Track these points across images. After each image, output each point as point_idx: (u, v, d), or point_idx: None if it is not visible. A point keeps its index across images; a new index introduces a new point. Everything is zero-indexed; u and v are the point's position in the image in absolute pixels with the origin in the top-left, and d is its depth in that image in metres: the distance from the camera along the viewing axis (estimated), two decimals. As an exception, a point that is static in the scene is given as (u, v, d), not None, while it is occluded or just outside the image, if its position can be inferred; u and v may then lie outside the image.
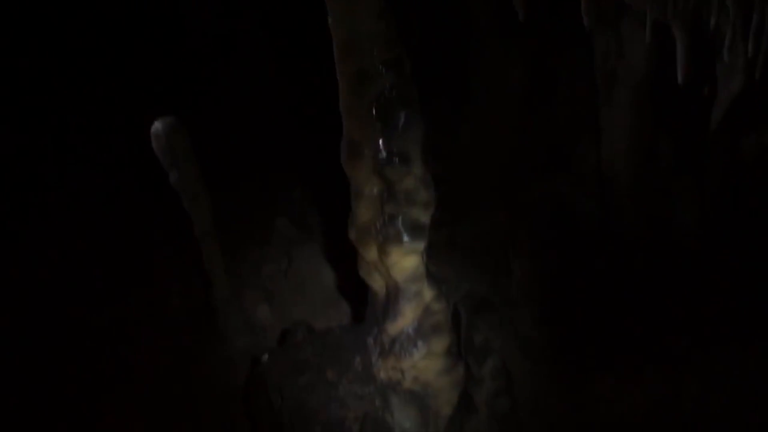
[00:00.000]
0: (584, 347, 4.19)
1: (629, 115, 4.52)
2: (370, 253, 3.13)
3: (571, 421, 3.85)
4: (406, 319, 3.18)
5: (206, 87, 6.59)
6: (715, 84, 3.83)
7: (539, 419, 3.90)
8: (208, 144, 4.47)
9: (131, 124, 4.64)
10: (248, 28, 6.71)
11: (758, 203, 4.19)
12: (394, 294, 3.18)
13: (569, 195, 5.18)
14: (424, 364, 3.29)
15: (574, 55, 4.77)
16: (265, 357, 3.62)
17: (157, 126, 3.74)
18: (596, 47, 4.37)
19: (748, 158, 4.27)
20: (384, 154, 2.84)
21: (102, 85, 6.34)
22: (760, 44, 3.08)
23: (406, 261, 3.04)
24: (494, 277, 4.84)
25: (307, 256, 5.16)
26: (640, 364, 4.04)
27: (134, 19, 6.50)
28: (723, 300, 4.13)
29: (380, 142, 2.85)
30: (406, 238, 2.96)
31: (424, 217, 3.00)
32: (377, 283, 3.26)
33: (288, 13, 6.28)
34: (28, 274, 4.90)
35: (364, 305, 3.94)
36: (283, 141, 6.11)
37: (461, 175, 5.25)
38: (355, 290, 4.79)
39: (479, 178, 5.28)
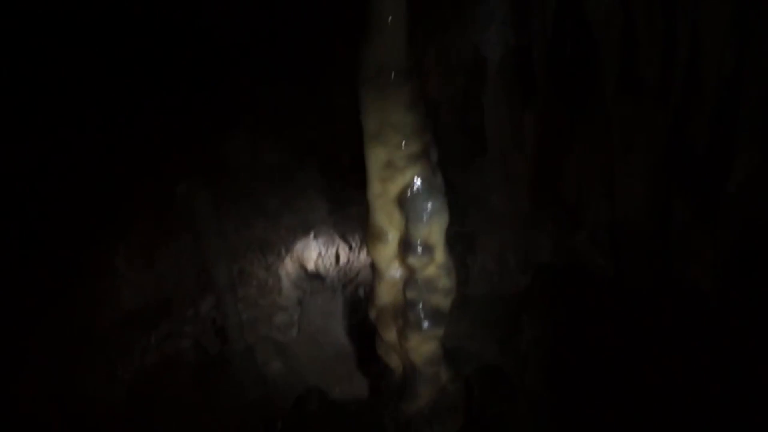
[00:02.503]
0: (596, 407, 4.18)
1: (645, 175, 4.54)
2: (389, 335, 3.14)
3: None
4: (422, 400, 3.20)
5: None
6: (733, 152, 3.87)
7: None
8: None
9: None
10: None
11: None
12: (411, 375, 3.19)
13: (582, 252, 5.18)
14: (437, 444, 3.30)
15: (592, 117, 4.78)
16: (279, 425, 3.62)
17: (181, 187, 3.77)
18: (614, 114, 4.38)
19: (762, 220, 4.27)
20: (407, 243, 2.84)
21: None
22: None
23: (425, 346, 3.06)
24: (506, 335, 4.83)
25: (319, 307, 5.16)
26: (654, 423, 4.02)
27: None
28: (738, 361, 4.11)
29: (404, 231, 2.85)
30: (426, 325, 2.98)
31: (445, 303, 3.02)
32: (394, 362, 3.28)
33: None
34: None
35: (376, 367, 3.96)
36: (294, 189, 6.13)
37: (476, 232, 5.27)
38: (365, 344, 4.82)
39: (493, 234, 5.29)
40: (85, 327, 5.04)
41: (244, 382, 4.56)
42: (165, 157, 5.88)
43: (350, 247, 5.68)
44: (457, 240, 5.23)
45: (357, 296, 5.17)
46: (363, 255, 5.54)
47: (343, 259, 5.60)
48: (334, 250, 5.68)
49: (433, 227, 2.82)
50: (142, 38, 5.94)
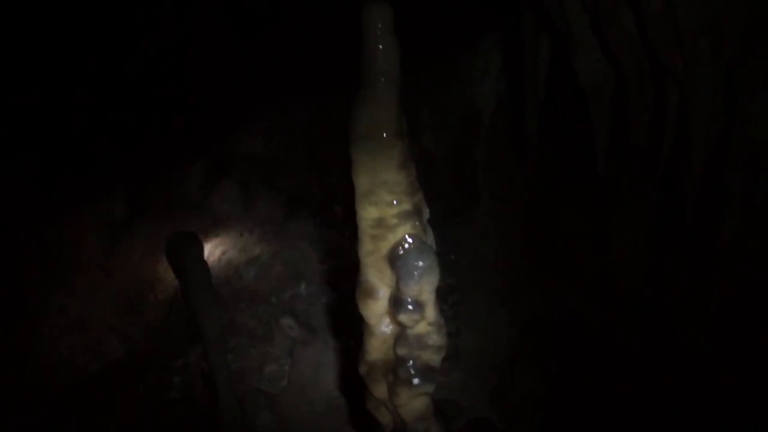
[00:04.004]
0: None
1: (636, 233, 4.57)
2: (379, 391, 3.12)
3: None
4: (412, 457, 3.16)
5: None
6: (721, 212, 3.91)
7: None
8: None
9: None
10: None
11: (763, 319, 4.18)
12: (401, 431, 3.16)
13: (574, 306, 5.19)
14: (428, 502, 3.25)
15: (584, 175, 4.83)
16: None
17: (170, 240, 3.77)
18: (605, 173, 4.42)
19: (753, 275, 4.30)
20: (398, 300, 2.84)
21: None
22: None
23: (415, 402, 3.03)
24: (497, 389, 4.82)
25: (310, 358, 5.13)
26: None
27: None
28: (730, 417, 4.10)
29: (395, 289, 2.85)
30: (416, 381, 2.95)
31: (436, 360, 3.00)
32: (384, 419, 3.25)
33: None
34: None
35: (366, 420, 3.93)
36: (286, 236, 6.13)
37: (467, 285, 5.28)
38: (356, 397, 4.78)
39: (484, 287, 5.30)
40: (72, 377, 5.00)
41: (233, 435, 4.52)
42: (153, 206, 5.91)
43: (343, 297, 5.65)
44: (449, 292, 5.26)
45: (348, 347, 5.15)
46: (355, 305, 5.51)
47: (335, 309, 5.58)
48: (325, 300, 5.66)
49: (423, 285, 2.82)
50: (131, 89, 5.98)
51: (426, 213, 2.93)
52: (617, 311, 4.89)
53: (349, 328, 5.25)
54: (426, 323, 2.94)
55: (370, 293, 2.94)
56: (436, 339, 2.99)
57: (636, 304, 4.80)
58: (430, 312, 2.93)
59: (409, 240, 2.82)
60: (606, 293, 4.94)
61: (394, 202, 2.78)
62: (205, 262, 3.98)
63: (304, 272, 5.92)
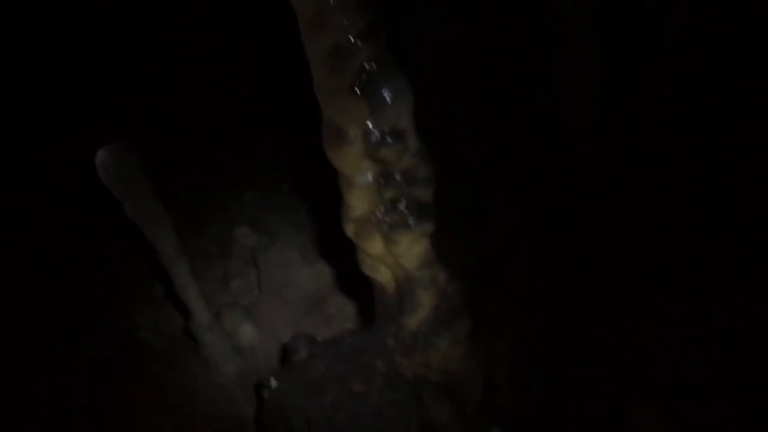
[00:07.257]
0: (570, 299, 4.05)
1: (583, 54, 4.36)
2: (374, 246, 2.83)
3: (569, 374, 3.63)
4: (424, 308, 2.92)
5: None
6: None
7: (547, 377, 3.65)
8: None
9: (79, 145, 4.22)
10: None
11: (722, 137, 4.17)
12: (406, 284, 2.90)
13: (530, 145, 5.00)
14: (450, 353, 3.04)
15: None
16: (273, 381, 3.27)
17: (102, 155, 3.30)
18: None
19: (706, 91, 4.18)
20: (376, 133, 2.52)
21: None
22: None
23: (416, 247, 2.77)
24: (473, 240, 4.61)
25: (275, 261, 4.80)
26: (617, 312, 3.89)
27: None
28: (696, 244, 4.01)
29: (369, 121, 2.52)
30: (413, 222, 2.67)
31: (428, 194, 2.72)
32: (384, 277, 2.96)
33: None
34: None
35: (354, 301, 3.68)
36: (223, 139, 5.71)
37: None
38: (334, 286, 4.53)
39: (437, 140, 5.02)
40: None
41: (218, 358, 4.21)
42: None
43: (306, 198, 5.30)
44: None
45: (314, 238, 4.85)
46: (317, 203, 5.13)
47: (291, 208, 5.23)
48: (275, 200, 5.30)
49: (400, 109, 2.51)
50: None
51: (383, 32, 2.57)
52: (577, 142, 4.72)
53: (309, 221, 4.95)
54: (410, 155, 2.64)
55: (340, 137, 2.60)
56: (424, 170, 2.70)
57: (594, 132, 4.63)
58: (413, 140, 2.63)
59: (373, 63, 2.47)
60: (562, 127, 4.75)
61: (346, 21, 2.41)
62: (145, 175, 3.53)
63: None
